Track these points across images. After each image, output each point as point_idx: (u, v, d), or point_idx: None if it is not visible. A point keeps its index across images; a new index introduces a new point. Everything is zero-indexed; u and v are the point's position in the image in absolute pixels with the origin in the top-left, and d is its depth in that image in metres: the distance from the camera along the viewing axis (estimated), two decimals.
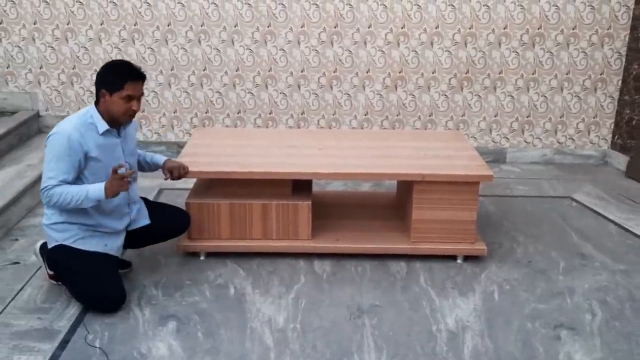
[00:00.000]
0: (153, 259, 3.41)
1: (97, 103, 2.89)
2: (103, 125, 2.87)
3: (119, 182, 2.79)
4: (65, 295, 3.00)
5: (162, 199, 4.12)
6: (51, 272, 3.08)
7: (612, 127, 5.07)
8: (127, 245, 3.16)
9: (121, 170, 2.81)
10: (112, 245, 3.02)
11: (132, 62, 2.97)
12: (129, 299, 2.98)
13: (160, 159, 3.29)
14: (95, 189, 2.79)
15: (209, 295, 3.08)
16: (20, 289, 3.09)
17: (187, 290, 3.12)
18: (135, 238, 3.15)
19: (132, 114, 2.90)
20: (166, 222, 3.24)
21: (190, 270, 3.31)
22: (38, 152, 4.54)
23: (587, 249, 3.63)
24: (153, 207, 3.25)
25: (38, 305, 2.96)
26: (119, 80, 2.82)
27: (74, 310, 2.92)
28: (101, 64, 4.84)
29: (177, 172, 3.22)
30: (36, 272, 3.23)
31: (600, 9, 4.74)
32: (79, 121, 2.84)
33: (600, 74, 4.92)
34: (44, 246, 3.13)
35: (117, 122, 2.91)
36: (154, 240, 3.30)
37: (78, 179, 2.85)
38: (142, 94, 2.93)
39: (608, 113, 5.03)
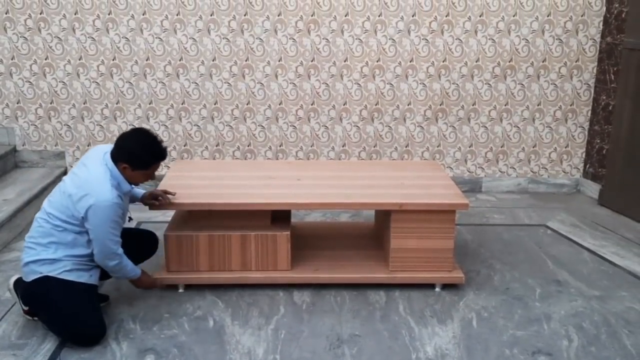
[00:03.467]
0: (131, 292, 3.37)
1: (113, 160, 2.92)
2: (127, 186, 2.98)
3: (150, 286, 3.26)
4: (42, 330, 2.96)
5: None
6: (26, 308, 3.03)
7: (584, 156, 5.19)
8: (101, 276, 3.13)
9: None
10: (95, 276, 3.03)
11: (156, 135, 3.03)
12: (107, 333, 2.95)
13: (139, 192, 3.31)
14: (136, 272, 3.11)
15: (188, 328, 3.06)
16: None
17: (166, 323, 3.10)
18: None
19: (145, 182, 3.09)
20: (134, 245, 3.23)
21: (168, 303, 3.29)
22: (14, 187, 4.51)
23: (562, 276, 3.68)
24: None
25: (13, 341, 2.92)
26: (146, 162, 2.95)
27: (49, 345, 2.88)
28: (79, 98, 4.91)
29: (161, 197, 3.28)
30: (11, 307, 3.18)
31: (569, 42, 4.90)
32: (111, 184, 2.87)
33: (571, 105, 5.06)
34: (18, 281, 3.09)
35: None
36: None
37: (85, 232, 2.91)
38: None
39: (579, 143, 5.15)
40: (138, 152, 2.91)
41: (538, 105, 5.06)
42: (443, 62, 4.93)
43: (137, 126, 4.97)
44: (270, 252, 3.40)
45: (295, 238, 3.63)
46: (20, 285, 3.05)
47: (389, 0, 4.78)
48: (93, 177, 2.87)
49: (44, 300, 2.90)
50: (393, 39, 4.87)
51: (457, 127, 5.09)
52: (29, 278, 2.93)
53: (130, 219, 3.20)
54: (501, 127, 5.10)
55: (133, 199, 3.31)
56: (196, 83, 4.93)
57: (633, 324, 3.16)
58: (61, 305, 2.86)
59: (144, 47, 4.84)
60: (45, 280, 2.88)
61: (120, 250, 2.95)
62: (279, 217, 3.52)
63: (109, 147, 3.01)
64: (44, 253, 2.88)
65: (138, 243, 3.30)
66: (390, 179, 3.71)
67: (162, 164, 4.93)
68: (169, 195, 3.28)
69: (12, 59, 4.84)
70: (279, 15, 4.79)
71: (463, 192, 3.56)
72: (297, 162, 4.90)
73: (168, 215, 3.72)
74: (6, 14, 4.73)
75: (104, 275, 3.18)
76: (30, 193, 4.37)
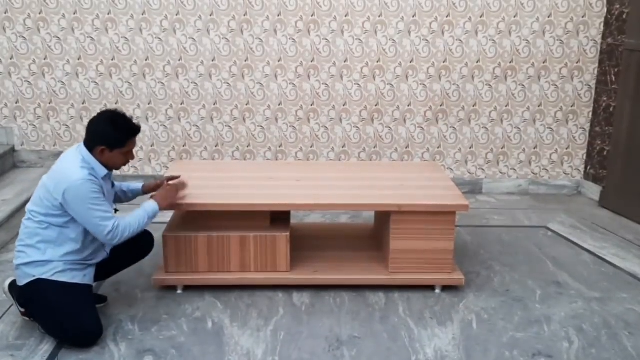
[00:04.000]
0: (129, 293, 3.37)
1: (88, 148, 2.89)
2: (103, 171, 2.92)
3: (173, 193, 3.17)
4: (40, 332, 2.94)
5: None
6: (22, 310, 3.02)
7: (585, 157, 5.17)
8: (98, 277, 3.11)
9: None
10: (90, 276, 3.00)
11: (124, 112, 2.99)
12: (105, 334, 2.94)
13: (137, 186, 3.33)
14: (151, 206, 3.03)
15: (187, 329, 3.05)
16: None
17: (164, 324, 3.08)
18: (103, 267, 3.11)
19: (127, 164, 3.03)
20: (130, 243, 3.17)
21: (167, 304, 3.27)
22: (13, 187, 4.50)
23: (562, 278, 3.67)
24: None
25: (11, 342, 2.90)
26: (121, 139, 2.89)
27: (47, 346, 2.86)
28: (78, 98, 4.90)
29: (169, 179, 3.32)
30: (9, 308, 3.17)
31: (569, 44, 4.89)
32: (81, 167, 2.83)
33: (572, 106, 5.05)
34: (13, 283, 3.08)
35: (110, 169, 2.99)
36: (121, 265, 3.27)
37: (72, 221, 2.86)
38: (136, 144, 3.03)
39: (580, 144, 5.14)
40: (109, 131, 2.86)
41: (539, 106, 5.04)
42: (443, 62, 4.92)
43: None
44: (269, 253, 3.39)
45: (295, 239, 3.62)
46: (15, 288, 3.04)
47: (389, 1, 4.77)
48: (64, 164, 2.87)
49: (39, 303, 2.88)
50: (393, 40, 4.86)
51: (458, 128, 5.08)
52: (22, 282, 2.91)
53: (116, 210, 3.16)
54: (502, 128, 5.09)
55: (134, 194, 3.31)
56: (195, 83, 4.92)
57: (633, 326, 3.15)
58: (56, 307, 2.84)
59: (143, 47, 4.83)
60: (38, 283, 2.85)
61: (114, 225, 2.84)
62: (279, 218, 3.51)
63: None
64: (34, 255, 2.86)
65: (134, 241, 3.27)
66: (390, 180, 3.69)
67: (161, 164, 4.98)
68: (175, 180, 3.32)
69: (10, 59, 4.83)
70: (278, 16, 4.78)
71: (463, 194, 3.54)
72: (297, 163, 4.89)
73: (167, 215, 3.70)
74: (5, 13, 4.72)
75: (103, 275, 3.17)
76: (29, 193, 4.35)
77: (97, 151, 2.88)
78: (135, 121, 2.96)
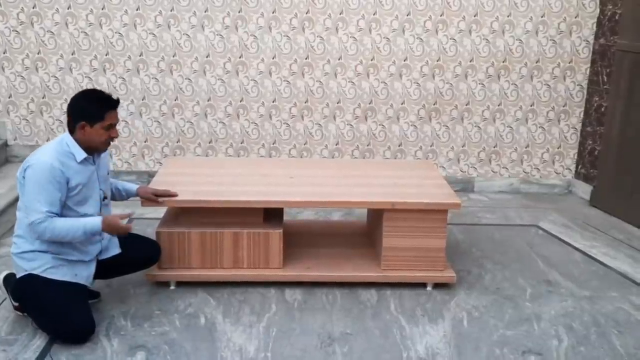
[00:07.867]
0: (122, 288, 3.37)
1: (71, 132, 2.87)
2: (81, 154, 2.87)
3: (120, 228, 2.92)
4: (32, 327, 2.95)
5: (133, 229, 4.08)
6: (16, 304, 3.02)
7: (576, 157, 5.21)
8: (96, 275, 3.12)
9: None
10: (81, 275, 2.98)
11: (101, 89, 2.98)
12: (97, 329, 2.94)
13: (132, 186, 3.31)
14: (93, 223, 2.84)
15: (179, 325, 3.05)
16: None
17: (157, 320, 3.09)
18: (104, 268, 3.12)
19: (111, 141, 2.95)
20: (137, 253, 3.22)
21: (160, 300, 3.28)
22: (5, 181, 4.48)
23: (553, 276, 3.70)
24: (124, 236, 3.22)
25: (3, 337, 2.90)
26: (99, 111, 2.85)
27: (40, 341, 2.86)
28: (72, 93, 4.85)
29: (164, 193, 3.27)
30: (1, 303, 3.16)
31: (562, 44, 4.92)
32: (56, 150, 2.81)
33: (563, 106, 5.08)
34: (8, 277, 3.09)
35: (94, 150, 2.94)
36: (124, 271, 3.28)
37: (67, 211, 2.85)
38: (119, 120, 2.98)
39: (571, 144, 5.18)
40: (87, 104, 2.85)
41: (531, 105, 5.07)
42: (437, 61, 4.94)
43: (127, 122, 4.96)
44: (262, 250, 3.40)
45: (288, 236, 3.63)
46: (9, 281, 3.05)
47: None
48: (41, 148, 2.87)
49: (32, 299, 2.88)
50: (387, 38, 4.87)
51: (451, 126, 5.10)
52: (17, 273, 2.93)
53: (105, 198, 3.07)
54: (494, 127, 5.12)
55: (128, 194, 3.31)
56: (189, 79, 4.92)
57: (622, 325, 3.18)
58: (47, 304, 2.85)
59: (137, 42, 4.82)
60: (31, 279, 2.86)
61: (42, 221, 2.72)
62: (272, 214, 3.52)
63: None
64: (23, 245, 2.87)
65: (143, 251, 3.27)
66: (383, 177, 3.71)
67: (155, 159, 4.98)
68: (166, 199, 3.27)
69: (4, 53, 4.81)
70: (273, 13, 4.78)
71: (455, 192, 3.57)
72: (290, 160, 4.90)
73: (160, 211, 3.70)
74: None
75: (102, 276, 3.19)
76: None
77: (78, 129, 2.84)
78: (114, 96, 2.93)
